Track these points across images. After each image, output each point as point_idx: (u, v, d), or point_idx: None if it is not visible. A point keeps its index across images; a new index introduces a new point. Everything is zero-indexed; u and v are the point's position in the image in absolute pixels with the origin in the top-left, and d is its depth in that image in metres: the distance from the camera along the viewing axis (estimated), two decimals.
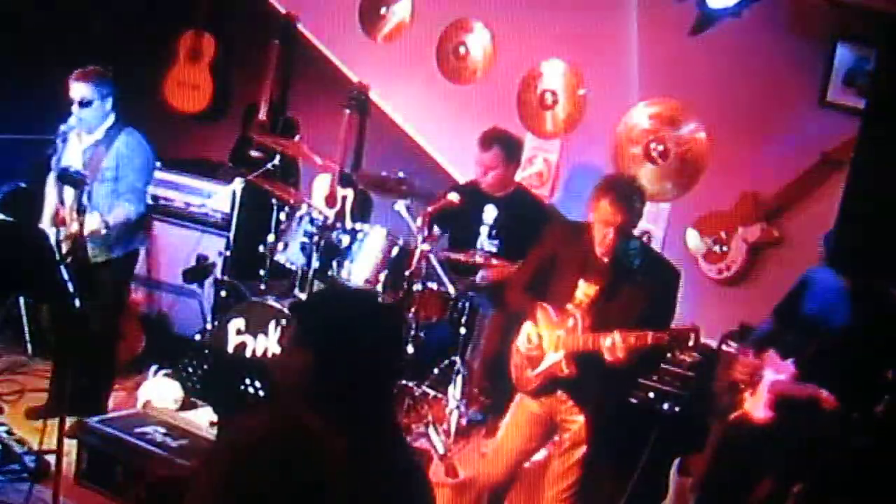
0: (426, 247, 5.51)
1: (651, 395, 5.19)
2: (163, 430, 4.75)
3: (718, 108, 5.68)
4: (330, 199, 6.45)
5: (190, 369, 4.91)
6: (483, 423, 5.69)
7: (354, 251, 5.58)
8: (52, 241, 5.00)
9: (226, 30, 7.19)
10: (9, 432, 4.91)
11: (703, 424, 4.81)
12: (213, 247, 6.40)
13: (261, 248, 5.76)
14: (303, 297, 5.53)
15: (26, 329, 6.22)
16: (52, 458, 4.39)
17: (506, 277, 4.87)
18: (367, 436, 2.33)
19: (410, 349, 5.41)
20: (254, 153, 6.74)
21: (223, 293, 5.98)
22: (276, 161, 6.00)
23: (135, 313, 6.23)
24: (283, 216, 5.75)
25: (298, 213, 5.69)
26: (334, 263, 5.60)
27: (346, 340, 2.37)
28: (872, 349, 4.14)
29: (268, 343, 5.46)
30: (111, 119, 5.20)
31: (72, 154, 5.20)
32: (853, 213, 4.72)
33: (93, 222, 4.96)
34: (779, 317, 4.59)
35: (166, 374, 5.51)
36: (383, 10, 6.71)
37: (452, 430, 5.48)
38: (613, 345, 3.93)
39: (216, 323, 5.76)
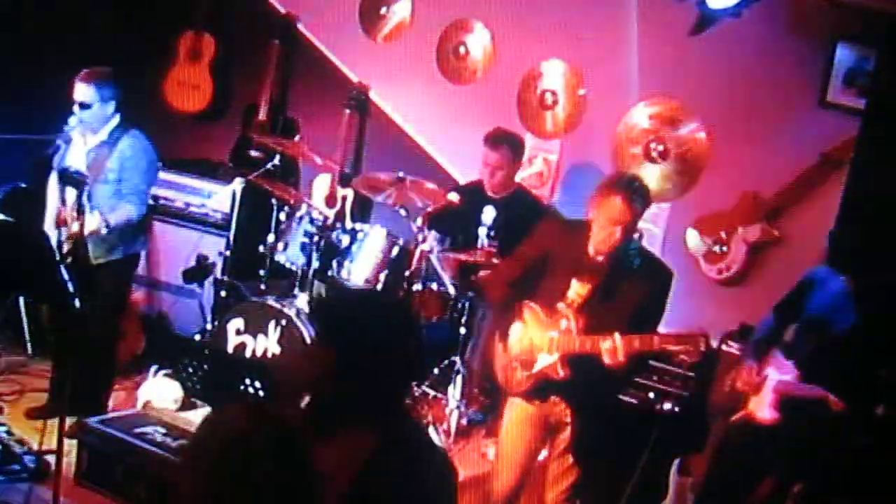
0: (426, 247, 5.52)
1: (651, 395, 5.19)
2: (163, 430, 4.75)
3: (718, 108, 5.68)
4: (330, 199, 6.46)
5: (190, 369, 4.91)
6: (483, 423, 5.69)
7: (354, 251, 5.58)
8: (54, 241, 5.01)
9: (226, 30, 7.19)
10: (9, 432, 4.92)
11: (703, 424, 4.81)
12: (213, 247, 6.40)
13: (261, 248, 5.76)
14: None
15: (26, 329, 6.22)
16: (52, 459, 4.39)
17: (496, 275, 4.77)
18: (393, 428, 2.47)
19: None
20: (254, 153, 6.74)
21: (223, 293, 5.97)
22: (276, 161, 5.99)
23: (135, 313, 6.23)
24: (283, 216, 5.75)
25: (298, 213, 5.69)
26: (334, 263, 5.60)
27: (367, 339, 2.47)
28: (876, 350, 4.13)
29: (268, 343, 5.45)
30: (115, 121, 5.20)
31: (75, 154, 5.20)
32: (853, 213, 4.73)
33: (93, 222, 4.97)
34: (780, 316, 4.58)
35: (166, 374, 5.50)
36: (383, 11, 6.71)
37: (452, 430, 5.48)
38: (614, 348, 3.82)
39: (216, 323, 5.76)
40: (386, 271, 5.53)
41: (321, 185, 6.60)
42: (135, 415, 5.06)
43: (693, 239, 5.81)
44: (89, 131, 5.18)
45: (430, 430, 5.37)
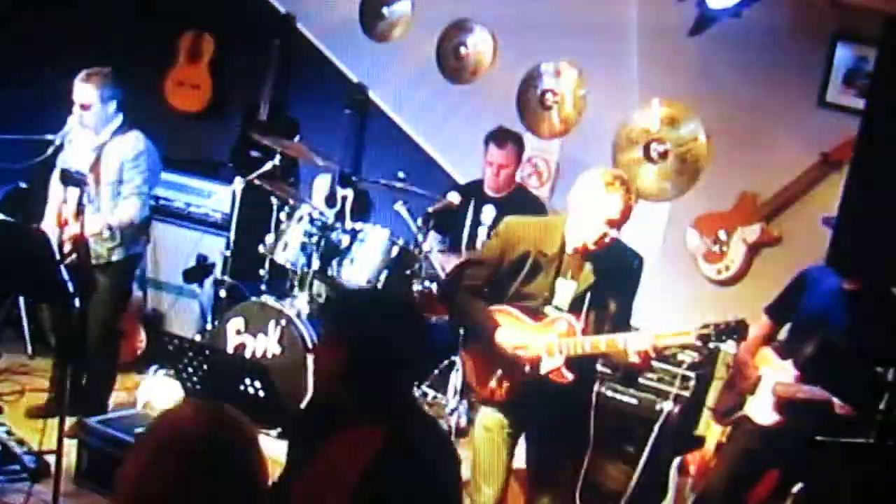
0: (426, 247, 5.52)
1: (651, 395, 5.19)
2: None
3: (718, 108, 5.68)
4: (330, 199, 6.46)
5: (190, 369, 4.90)
6: None
7: (354, 251, 5.59)
8: (55, 241, 5.01)
9: (226, 30, 7.20)
10: (9, 432, 4.91)
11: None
12: (213, 247, 6.41)
13: (261, 248, 5.76)
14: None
15: (26, 329, 6.22)
16: (51, 458, 4.39)
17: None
18: (401, 423, 2.54)
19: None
20: (254, 153, 6.74)
21: (223, 293, 5.98)
22: (276, 161, 5.99)
23: (135, 313, 6.23)
24: (283, 216, 5.76)
25: (298, 213, 5.69)
26: (334, 263, 5.61)
27: (378, 337, 2.55)
28: (873, 350, 4.13)
29: (268, 343, 5.46)
30: (117, 121, 5.20)
31: (77, 155, 5.20)
32: (853, 213, 4.73)
33: (94, 223, 4.97)
34: (773, 316, 4.57)
35: (166, 374, 5.50)
36: (383, 11, 6.71)
37: (452, 430, 5.47)
38: (647, 349, 3.70)
39: (216, 323, 5.76)
40: (386, 271, 5.53)
41: (321, 185, 6.61)
42: (135, 415, 5.06)
43: (693, 239, 5.81)
44: (90, 132, 5.18)
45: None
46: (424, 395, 5.62)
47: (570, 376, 3.89)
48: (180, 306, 6.55)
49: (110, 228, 5.07)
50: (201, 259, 6.33)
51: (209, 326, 5.91)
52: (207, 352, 4.86)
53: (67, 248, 4.93)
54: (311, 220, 5.63)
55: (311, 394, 5.16)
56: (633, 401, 5.19)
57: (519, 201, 5.71)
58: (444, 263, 5.65)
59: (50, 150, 5.08)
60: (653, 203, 5.86)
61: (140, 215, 5.20)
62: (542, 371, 3.93)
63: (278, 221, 5.77)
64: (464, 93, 6.51)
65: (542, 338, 3.90)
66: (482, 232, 5.59)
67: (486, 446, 4.14)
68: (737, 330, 3.74)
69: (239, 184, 6.00)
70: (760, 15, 5.41)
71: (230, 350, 5.48)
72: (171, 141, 6.11)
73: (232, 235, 6.15)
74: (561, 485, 4.22)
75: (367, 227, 5.69)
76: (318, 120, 6.97)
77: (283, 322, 5.40)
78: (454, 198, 5.59)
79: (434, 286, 5.59)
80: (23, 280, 4.62)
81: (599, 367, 4.78)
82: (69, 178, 4.85)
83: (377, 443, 2.49)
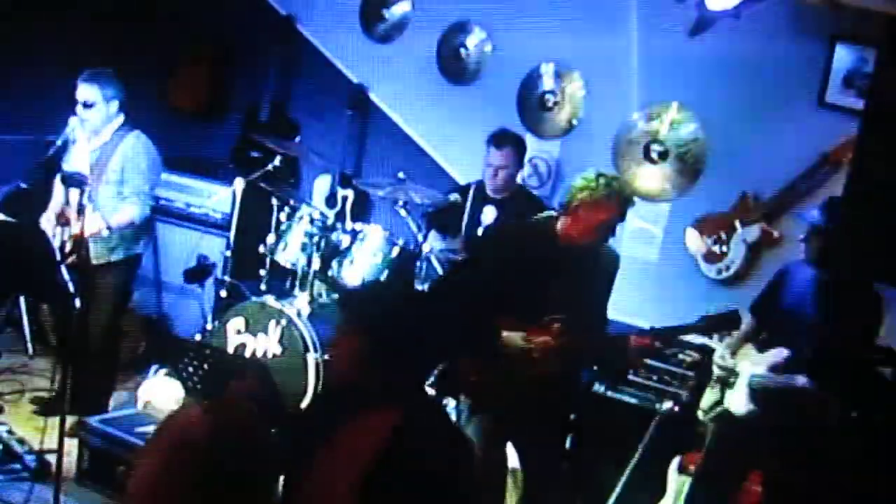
0: (426, 247, 5.52)
1: (651, 395, 5.19)
2: None
3: (718, 108, 5.69)
4: (330, 200, 6.46)
5: (190, 369, 4.90)
6: None
7: (354, 251, 5.59)
8: (58, 241, 5.03)
9: (227, 30, 7.20)
10: (9, 432, 4.92)
11: (702, 424, 4.81)
12: (214, 247, 6.41)
13: (261, 248, 5.77)
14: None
15: (26, 329, 6.22)
16: (52, 458, 4.39)
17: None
18: (414, 407, 2.67)
19: None
20: (254, 153, 6.74)
21: (223, 293, 5.98)
22: (277, 161, 6.00)
23: (135, 313, 6.23)
24: (283, 216, 5.76)
25: (298, 214, 5.69)
26: (334, 263, 5.61)
27: (396, 322, 2.69)
28: (852, 339, 4.16)
29: (268, 343, 5.46)
30: (118, 121, 5.21)
31: (79, 155, 5.21)
32: (853, 213, 4.72)
33: (94, 223, 4.97)
34: (756, 314, 4.60)
35: (166, 374, 5.50)
36: (383, 11, 6.72)
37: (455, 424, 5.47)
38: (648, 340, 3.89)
39: (216, 323, 5.76)
40: (386, 272, 5.53)
41: (321, 185, 6.61)
42: (135, 414, 5.07)
43: (693, 239, 5.81)
44: (92, 132, 5.18)
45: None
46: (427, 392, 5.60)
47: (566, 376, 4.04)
48: (180, 306, 6.55)
49: (109, 228, 5.07)
50: (202, 259, 6.33)
51: (209, 326, 5.91)
52: (207, 352, 4.87)
53: (68, 248, 4.95)
54: (312, 221, 5.63)
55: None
56: (633, 400, 5.19)
57: (520, 202, 5.71)
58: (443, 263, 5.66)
59: (51, 151, 5.08)
60: (653, 203, 5.87)
61: (140, 215, 5.21)
62: (545, 371, 4.00)
63: (279, 222, 5.77)
64: (464, 93, 6.52)
65: (541, 338, 3.98)
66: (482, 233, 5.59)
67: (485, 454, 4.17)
68: (732, 319, 3.94)
69: (239, 184, 6.01)
70: (760, 15, 5.42)
71: (230, 350, 5.48)
72: (171, 141, 6.11)
73: (232, 236, 6.16)
74: (556, 485, 4.28)
75: (367, 228, 5.69)
76: (318, 120, 6.98)
77: (283, 322, 5.40)
78: (454, 198, 5.60)
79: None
80: (23, 280, 4.62)
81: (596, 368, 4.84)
82: (70, 180, 4.87)
83: (390, 426, 2.61)
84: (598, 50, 6.05)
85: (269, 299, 5.52)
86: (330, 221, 5.77)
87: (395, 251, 5.56)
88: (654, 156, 5.85)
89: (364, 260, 5.56)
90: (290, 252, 5.67)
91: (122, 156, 5.17)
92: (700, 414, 4.59)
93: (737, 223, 5.67)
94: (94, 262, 5.14)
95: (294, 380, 5.27)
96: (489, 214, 5.61)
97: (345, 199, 6.43)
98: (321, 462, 2.69)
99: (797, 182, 5.50)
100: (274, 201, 5.84)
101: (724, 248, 5.70)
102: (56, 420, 4.27)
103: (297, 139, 6.91)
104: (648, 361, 5.22)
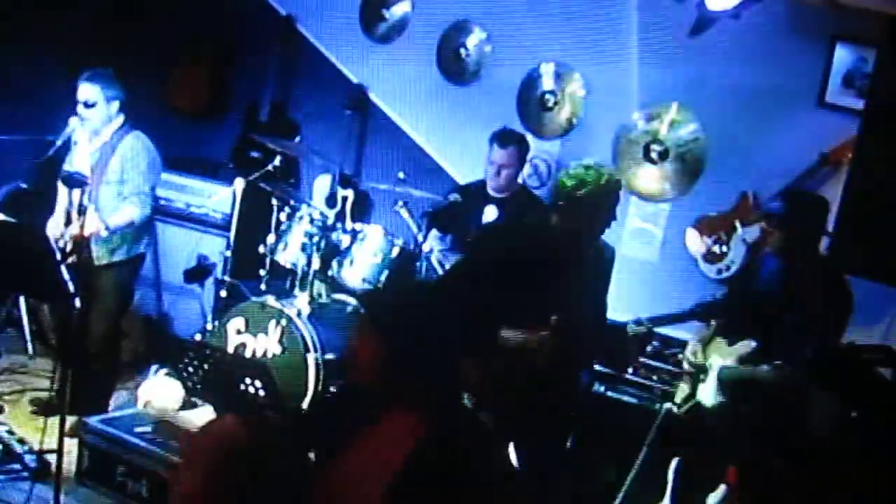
0: (426, 247, 5.52)
1: (650, 394, 5.19)
2: None
3: (718, 108, 5.69)
4: (330, 200, 6.46)
5: (190, 369, 4.90)
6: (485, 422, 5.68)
7: (355, 251, 5.59)
8: (63, 241, 5.03)
9: (227, 30, 7.20)
10: (9, 432, 4.92)
11: (701, 423, 4.82)
12: (214, 247, 6.41)
13: (261, 248, 5.77)
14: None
15: (27, 329, 6.23)
16: (52, 458, 4.40)
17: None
18: (444, 410, 2.68)
19: None
20: (254, 153, 6.75)
21: (223, 293, 5.98)
22: (277, 161, 6.00)
23: (135, 313, 6.23)
24: (283, 216, 5.76)
25: (299, 214, 5.69)
26: (334, 264, 5.61)
27: (418, 326, 2.71)
28: (807, 315, 4.21)
29: (268, 343, 5.46)
30: (119, 122, 5.21)
31: (80, 156, 5.22)
32: (853, 213, 4.72)
33: (93, 223, 4.97)
34: (731, 292, 4.65)
35: (166, 374, 5.50)
36: (383, 11, 6.72)
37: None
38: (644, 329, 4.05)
39: (216, 323, 5.76)
40: (386, 271, 5.53)
41: (321, 185, 6.61)
42: (135, 415, 5.06)
43: (693, 239, 5.81)
44: (92, 132, 5.19)
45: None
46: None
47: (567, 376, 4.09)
48: (180, 306, 6.55)
49: (108, 228, 5.07)
50: (202, 259, 6.33)
51: (209, 326, 5.91)
52: (207, 352, 4.86)
53: (69, 248, 4.95)
54: (312, 221, 5.63)
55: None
56: (633, 400, 5.19)
57: (521, 202, 5.71)
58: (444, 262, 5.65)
59: (51, 151, 5.08)
60: (653, 203, 5.87)
61: (141, 215, 5.21)
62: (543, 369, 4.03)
63: (278, 222, 5.77)
64: (464, 93, 6.52)
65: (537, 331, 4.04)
66: None
67: None
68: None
69: (239, 184, 6.01)
70: (760, 15, 5.42)
71: (230, 350, 5.48)
72: (171, 141, 6.12)
73: (232, 236, 6.16)
74: (556, 486, 4.31)
75: (367, 228, 5.69)
76: (318, 120, 6.98)
77: (283, 322, 5.40)
78: (454, 198, 5.60)
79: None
80: (23, 280, 4.62)
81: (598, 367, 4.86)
82: (70, 180, 4.87)
83: (419, 430, 2.62)
84: (598, 50, 6.05)
85: (270, 299, 5.52)
86: (330, 221, 5.77)
87: (396, 251, 5.56)
88: (654, 156, 5.85)
89: (364, 260, 5.56)
90: (290, 252, 5.67)
91: (121, 156, 5.17)
92: (674, 408, 4.62)
93: (737, 223, 5.67)
94: (96, 262, 5.15)
95: (294, 380, 5.27)
96: (490, 214, 5.61)
97: (345, 199, 6.42)
98: (347, 463, 2.69)
99: (797, 182, 5.50)
100: (274, 201, 5.84)
101: (724, 248, 5.70)
102: (56, 420, 4.27)
103: (297, 139, 6.91)
104: (648, 361, 5.23)
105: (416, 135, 6.71)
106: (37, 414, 5.28)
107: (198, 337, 5.91)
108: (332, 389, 5.29)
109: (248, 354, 5.45)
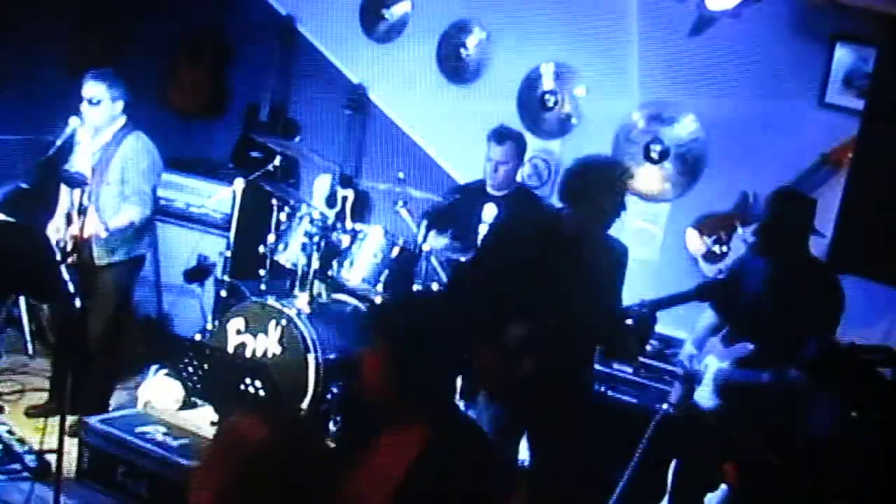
0: (426, 247, 5.53)
1: (649, 394, 5.18)
2: (163, 430, 4.76)
3: (718, 108, 5.69)
4: (330, 200, 6.46)
5: (190, 369, 4.91)
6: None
7: (354, 251, 5.59)
8: (63, 241, 5.03)
9: (226, 30, 7.20)
10: (10, 432, 4.92)
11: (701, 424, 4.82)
12: (214, 247, 6.40)
13: (261, 248, 5.77)
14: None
15: (27, 329, 6.22)
16: (52, 458, 4.40)
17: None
18: (443, 422, 2.70)
19: None
20: (254, 153, 6.74)
21: (223, 293, 5.98)
22: (277, 161, 6.00)
23: (135, 313, 6.23)
24: (283, 216, 5.76)
25: (298, 214, 5.69)
26: (334, 263, 5.61)
27: (423, 339, 2.70)
28: (798, 318, 4.21)
29: (268, 343, 5.46)
30: (121, 122, 5.22)
31: (82, 156, 5.22)
32: (853, 213, 4.73)
33: (93, 224, 4.97)
34: (716, 309, 4.64)
35: (166, 374, 5.51)
36: (383, 11, 6.72)
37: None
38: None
39: (216, 323, 5.76)
40: (386, 271, 5.54)
41: (321, 185, 6.61)
42: (135, 414, 5.07)
43: (693, 239, 5.81)
44: (94, 130, 5.19)
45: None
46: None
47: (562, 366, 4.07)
48: (180, 306, 6.55)
49: (108, 229, 5.07)
50: (201, 259, 6.33)
51: (209, 326, 5.91)
52: (207, 352, 4.87)
53: (69, 248, 4.95)
54: (312, 221, 5.63)
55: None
56: (633, 400, 5.19)
57: (520, 201, 5.71)
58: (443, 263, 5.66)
59: (51, 151, 5.08)
60: (653, 203, 5.87)
61: (141, 216, 5.21)
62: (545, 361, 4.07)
63: (278, 222, 5.77)
64: (464, 93, 6.52)
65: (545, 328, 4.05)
66: (483, 230, 5.59)
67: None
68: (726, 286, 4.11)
69: (239, 184, 6.01)
70: (760, 15, 5.42)
71: (230, 350, 5.48)
72: (171, 141, 6.12)
73: (232, 236, 6.15)
74: (559, 483, 4.32)
75: (367, 228, 5.70)
76: (318, 120, 6.98)
77: (283, 322, 5.40)
78: (454, 198, 5.60)
79: (434, 286, 5.60)
80: (23, 280, 4.62)
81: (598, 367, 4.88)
82: (71, 180, 4.87)
83: (422, 441, 2.64)
84: (598, 50, 6.05)
85: (270, 299, 5.53)
86: (330, 221, 5.77)
87: (396, 251, 5.56)
88: (654, 155, 5.85)
89: (364, 260, 5.56)
90: (291, 252, 5.67)
91: (122, 156, 5.17)
92: (670, 409, 4.62)
93: (737, 223, 5.67)
94: (96, 262, 5.14)
95: (294, 380, 5.27)
96: (489, 212, 5.61)
97: (345, 199, 6.43)
98: (355, 476, 2.70)
99: (797, 182, 5.50)
100: (274, 201, 5.84)
101: (724, 248, 5.70)
102: (56, 420, 4.27)
103: (297, 139, 6.91)
104: (648, 361, 5.23)
105: (416, 135, 6.71)
106: (30, 416, 5.28)
107: (198, 337, 5.91)
108: (334, 390, 5.30)
109: (248, 354, 5.46)
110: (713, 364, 4.55)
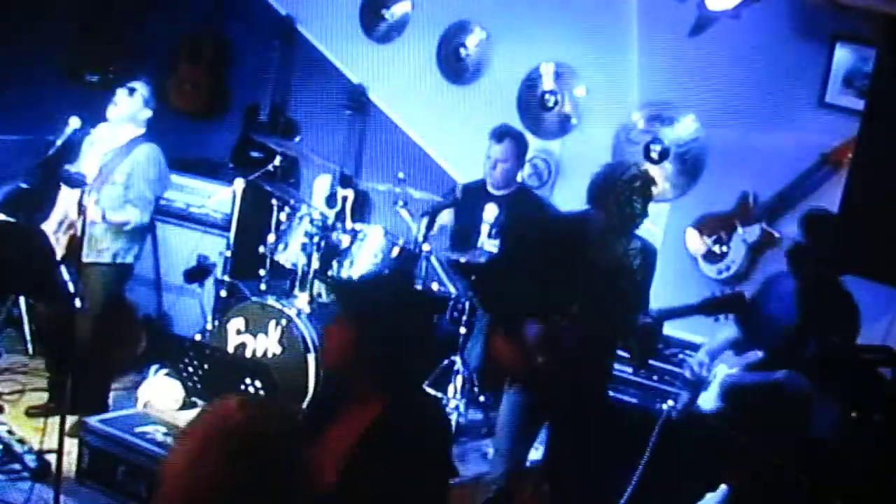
0: (427, 247, 5.53)
1: (652, 395, 5.19)
2: (163, 430, 4.75)
3: (718, 108, 5.69)
4: (330, 200, 6.46)
5: (190, 369, 4.91)
6: (483, 423, 5.69)
7: (354, 251, 5.59)
8: (60, 241, 5.02)
9: (226, 30, 7.20)
10: (9, 432, 4.91)
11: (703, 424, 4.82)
12: (214, 247, 6.40)
13: (261, 249, 5.77)
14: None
15: (26, 329, 6.21)
16: (52, 458, 4.39)
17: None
18: (403, 395, 2.76)
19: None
20: (254, 153, 6.75)
21: (223, 293, 5.98)
22: (277, 161, 6.00)
23: (135, 313, 6.23)
24: (283, 216, 5.76)
25: (298, 214, 5.69)
26: (334, 263, 5.61)
27: (386, 316, 2.77)
28: (836, 373, 4.22)
29: (268, 343, 5.46)
30: (139, 131, 5.26)
31: (92, 155, 5.23)
32: (853, 213, 4.72)
33: (92, 213, 4.94)
34: (742, 326, 4.63)
35: (166, 374, 5.50)
36: (383, 11, 6.72)
37: (452, 430, 5.47)
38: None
39: (216, 323, 5.76)
40: (386, 271, 5.53)
41: (321, 185, 6.61)
42: (135, 414, 5.06)
43: (693, 239, 5.81)
44: (113, 129, 5.21)
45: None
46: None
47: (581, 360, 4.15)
48: (180, 306, 6.55)
49: (105, 219, 5.07)
50: (202, 259, 6.32)
51: (209, 326, 5.91)
52: (207, 352, 4.87)
53: (66, 248, 4.95)
54: (312, 221, 5.63)
55: (322, 379, 5.21)
56: (634, 400, 5.19)
57: (522, 201, 5.72)
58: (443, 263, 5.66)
59: (51, 151, 5.07)
60: (653, 203, 5.86)
61: (139, 220, 5.21)
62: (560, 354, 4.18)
63: (278, 222, 5.77)
64: (464, 93, 6.52)
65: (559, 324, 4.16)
66: (484, 230, 5.60)
67: (506, 424, 4.43)
68: (736, 302, 4.08)
69: (239, 184, 6.01)
70: (760, 15, 5.42)
71: (230, 350, 5.48)
72: (171, 141, 6.11)
73: (232, 236, 6.15)
74: (569, 480, 4.44)
75: (367, 228, 5.70)
76: (318, 120, 6.98)
77: (283, 322, 5.40)
78: (454, 198, 5.60)
79: (434, 286, 5.61)
80: (23, 280, 4.62)
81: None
82: (70, 180, 4.86)
83: (375, 411, 2.72)
84: (598, 49, 6.05)
85: (270, 299, 5.53)
86: (330, 221, 5.77)
87: (396, 251, 5.56)
88: (654, 155, 5.85)
89: (364, 260, 5.56)
90: (291, 252, 5.67)
91: (132, 161, 5.19)
92: (672, 412, 4.63)
93: (737, 223, 5.68)
94: (83, 259, 5.10)
95: (294, 380, 5.27)
96: (490, 212, 5.61)
97: (345, 199, 6.43)
98: (318, 445, 2.73)
99: (797, 182, 5.50)
100: (274, 201, 5.84)
101: (725, 248, 5.70)
102: (56, 420, 4.27)
103: (297, 139, 6.91)
104: (649, 362, 5.23)
105: (416, 135, 6.71)
106: (30, 416, 5.27)
107: (198, 337, 5.91)
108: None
109: (248, 354, 5.46)
110: (722, 371, 4.56)
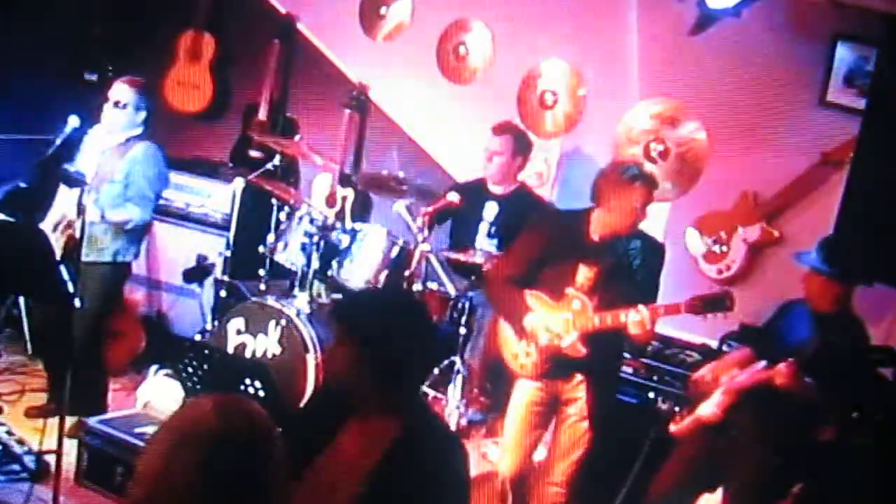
0: (426, 247, 5.52)
1: (651, 395, 5.18)
2: None
3: (719, 107, 5.69)
4: (330, 199, 6.45)
5: (190, 369, 4.90)
6: (483, 423, 5.69)
7: (354, 251, 5.58)
8: (52, 239, 5.01)
9: (226, 30, 7.19)
10: (9, 432, 4.92)
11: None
12: (213, 247, 6.40)
13: (261, 248, 5.76)
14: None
15: (26, 329, 6.21)
16: (52, 459, 4.39)
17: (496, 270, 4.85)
18: (414, 417, 2.75)
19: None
20: (254, 153, 6.74)
21: (223, 293, 5.98)
22: (277, 161, 6.00)
23: (135, 313, 6.22)
24: (283, 216, 5.76)
25: (298, 213, 5.69)
26: (334, 263, 5.61)
27: (390, 333, 2.73)
28: (837, 373, 4.22)
29: (268, 343, 5.46)
30: (137, 132, 5.25)
31: (89, 153, 5.22)
32: (853, 213, 4.72)
33: (91, 212, 4.94)
34: (755, 346, 4.63)
35: (166, 374, 5.50)
36: (383, 10, 6.72)
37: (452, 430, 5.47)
38: (642, 319, 4.08)
39: (216, 323, 5.76)
40: (386, 271, 5.53)
41: (321, 185, 6.60)
42: (135, 415, 5.06)
43: (693, 239, 5.81)
44: (109, 133, 5.20)
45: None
46: (424, 394, 5.60)
47: (583, 350, 4.28)
48: (180, 306, 6.54)
49: (104, 218, 5.06)
50: (201, 259, 6.32)
51: (209, 326, 5.90)
52: (207, 352, 4.86)
53: (65, 247, 4.94)
54: (311, 220, 5.62)
55: (317, 389, 5.20)
56: (633, 400, 5.19)
57: (521, 200, 5.71)
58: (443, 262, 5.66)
59: (51, 151, 5.07)
60: (653, 203, 5.86)
61: (139, 218, 5.21)
62: (563, 345, 4.30)
63: (278, 221, 5.77)
64: (464, 93, 6.51)
65: (561, 315, 4.27)
66: (483, 229, 5.60)
67: (517, 415, 4.53)
68: (723, 301, 4.13)
69: (239, 184, 6.01)
70: (760, 15, 5.41)
71: (230, 350, 5.48)
72: (171, 141, 6.12)
73: (232, 235, 6.15)
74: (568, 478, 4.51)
75: (366, 227, 5.69)
76: (318, 120, 6.97)
77: (283, 322, 5.39)
78: (454, 197, 5.59)
79: (434, 286, 5.60)
80: (22, 280, 4.61)
81: None
82: (69, 179, 4.86)
83: (392, 433, 2.69)
84: (598, 49, 6.04)
85: (269, 299, 5.52)
86: (330, 221, 5.77)
87: (395, 251, 5.56)
88: (655, 155, 5.85)
89: (364, 260, 5.55)
90: (290, 252, 5.67)
91: (131, 159, 5.19)
92: (672, 426, 4.62)
93: (737, 223, 5.67)
94: (84, 258, 5.10)
95: (294, 380, 5.26)
96: (490, 211, 5.61)
97: (344, 198, 6.42)
98: (324, 462, 2.73)
99: (797, 182, 5.49)
100: (273, 201, 5.83)
101: (725, 248, 5.70)
102: (55, 421, 4.26)
103: (297, 138, 6.90)
104: (648, 361, 5.23)
105: (416, 134, 6.70)
106: (30, 417, 5.27)
107: (198, 337, 5.90)
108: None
109: (248, 354, 5.45)
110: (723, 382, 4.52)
